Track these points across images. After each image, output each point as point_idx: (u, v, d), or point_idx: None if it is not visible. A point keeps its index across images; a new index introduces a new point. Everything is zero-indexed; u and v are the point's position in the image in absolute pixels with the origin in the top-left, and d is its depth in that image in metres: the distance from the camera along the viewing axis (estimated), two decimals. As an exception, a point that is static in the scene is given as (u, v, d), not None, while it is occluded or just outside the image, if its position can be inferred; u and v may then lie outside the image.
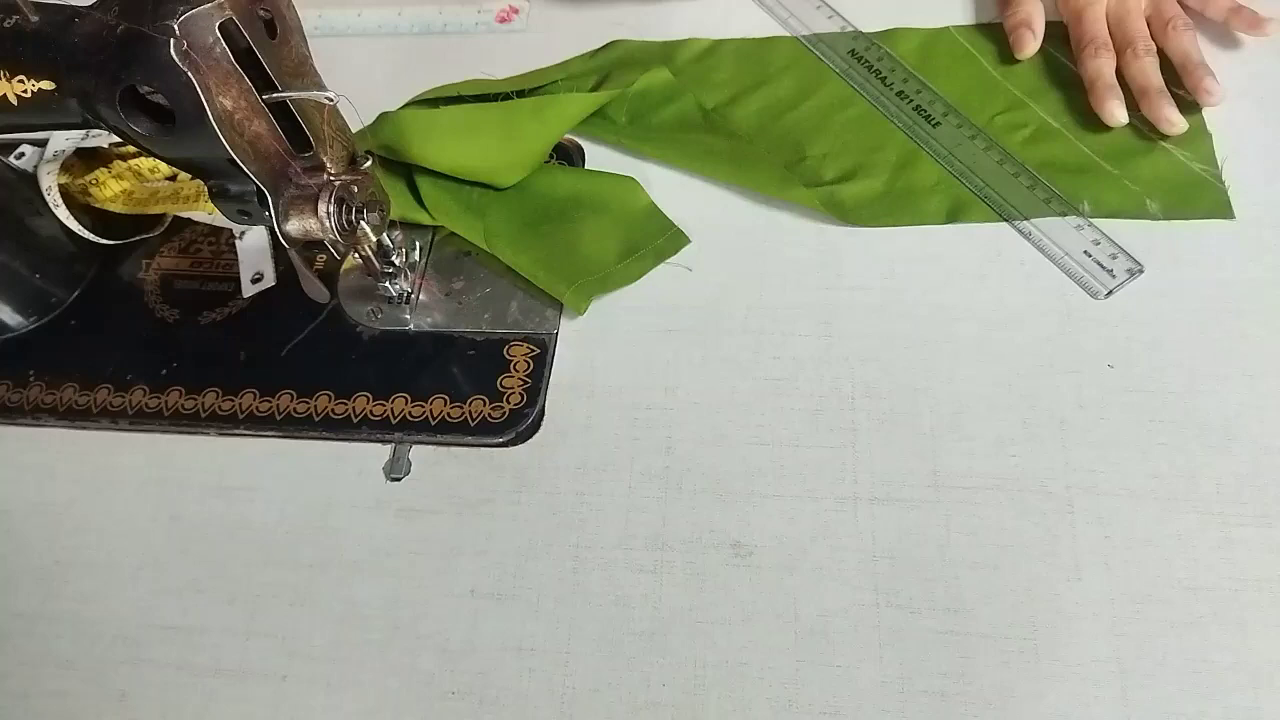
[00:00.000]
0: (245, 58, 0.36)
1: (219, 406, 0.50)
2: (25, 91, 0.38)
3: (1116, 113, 0.51)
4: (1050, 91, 0.54)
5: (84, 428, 0.51)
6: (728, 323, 0.49)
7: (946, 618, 0.40)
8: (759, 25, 0.61)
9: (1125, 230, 0.48)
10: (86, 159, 0.54)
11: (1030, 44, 0.55)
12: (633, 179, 0.54)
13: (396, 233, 0.47)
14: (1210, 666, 0.38)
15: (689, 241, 0.52)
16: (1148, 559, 0.40)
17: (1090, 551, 0.41)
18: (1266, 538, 0.40)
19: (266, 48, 0.37)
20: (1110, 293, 0.47)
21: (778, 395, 0.47)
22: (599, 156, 0.56)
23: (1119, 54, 0.53)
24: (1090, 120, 0.52)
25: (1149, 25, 0.53)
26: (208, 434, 0.50)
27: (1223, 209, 0.48)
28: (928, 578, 0.41)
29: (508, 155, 0.53)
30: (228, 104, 0.36)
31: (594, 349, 0.49)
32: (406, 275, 0.50)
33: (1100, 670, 0.38)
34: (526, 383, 0.48)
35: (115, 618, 0.45)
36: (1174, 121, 0.50)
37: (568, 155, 0.57)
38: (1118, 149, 0.51)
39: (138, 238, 0.56)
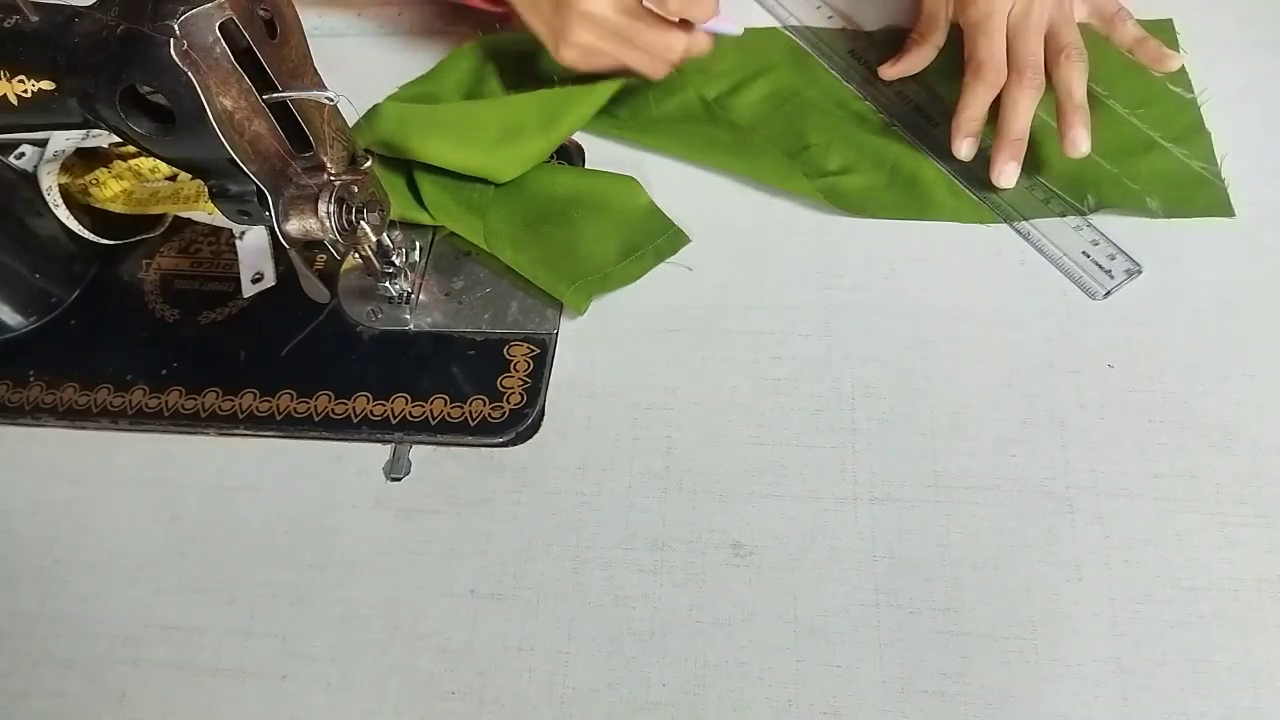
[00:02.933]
0: (245, 58, 0.36)
1: (219, 406, 0.50)
2: (25, 91, 0.38)
3: (963, 150, 0.50)
4: (1049, 92, 0.54)
5: (84, 428, 0.51)
6: (728, 323, 0.49)
7: (946, 618, 0.40)
8: (758, 20, 0.61)
9: (1125, 230, 0.49)
10: (86, 159, 0.54)
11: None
12: (632, 178, 0.54)
13: (396, 233, 0.47)
14: (1210, 666, 0.38)
15: (689, 241, 0.52)
16: (1148, 559, 0.40)
17: (1090, 551, 0.41)
18: (1266, 538, 0.40)
19: (266, 47, 0.37)
20: (1109, 293, 0.47)
21: (778, 395, 0.47)
22: (599, 156, 0.56)
23: (1013, 74, 0.50)
24: (1090, 119, 0.52)
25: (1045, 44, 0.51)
26: (208, 434, 0.50)
27: (1223, 207, 0.48)
28: (928, 578, 0.41)
29: (507, 151, 0.53)
30: (228, 104, 0.36)
31: (594, 349, 0.49)
32: (406, 275, 0.50)
33: (1100, 670, 0.38)
34: (526, 383, 0.48)
35: (115, 618, 0.45)
36: (1005, 176, 0.49)
37: (568, 155, 0.57)
38: (1117, 148, 0.51)
39: (138, 238, 0.56)
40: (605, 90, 0.55)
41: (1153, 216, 0.49)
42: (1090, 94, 0.53)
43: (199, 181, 0.52)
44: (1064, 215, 0.49)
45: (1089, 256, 0.48)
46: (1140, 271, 0.47)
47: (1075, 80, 0.49)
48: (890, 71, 0.55)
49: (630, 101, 0.57)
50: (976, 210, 0.50)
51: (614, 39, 0.51)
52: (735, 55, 0.59)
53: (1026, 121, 0.50)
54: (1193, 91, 0.52)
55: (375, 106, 0.56)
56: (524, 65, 0.59)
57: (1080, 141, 0.48)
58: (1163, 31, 0.55)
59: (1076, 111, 0.49)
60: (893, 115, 0.55)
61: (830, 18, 0.60)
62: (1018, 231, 0.50)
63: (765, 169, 0.53)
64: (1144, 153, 0.51)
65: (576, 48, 0.52)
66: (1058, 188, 0.50)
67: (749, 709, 0.39)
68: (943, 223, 0.51)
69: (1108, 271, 0.47)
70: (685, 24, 0.51)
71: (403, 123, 0.53)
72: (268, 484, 0.48)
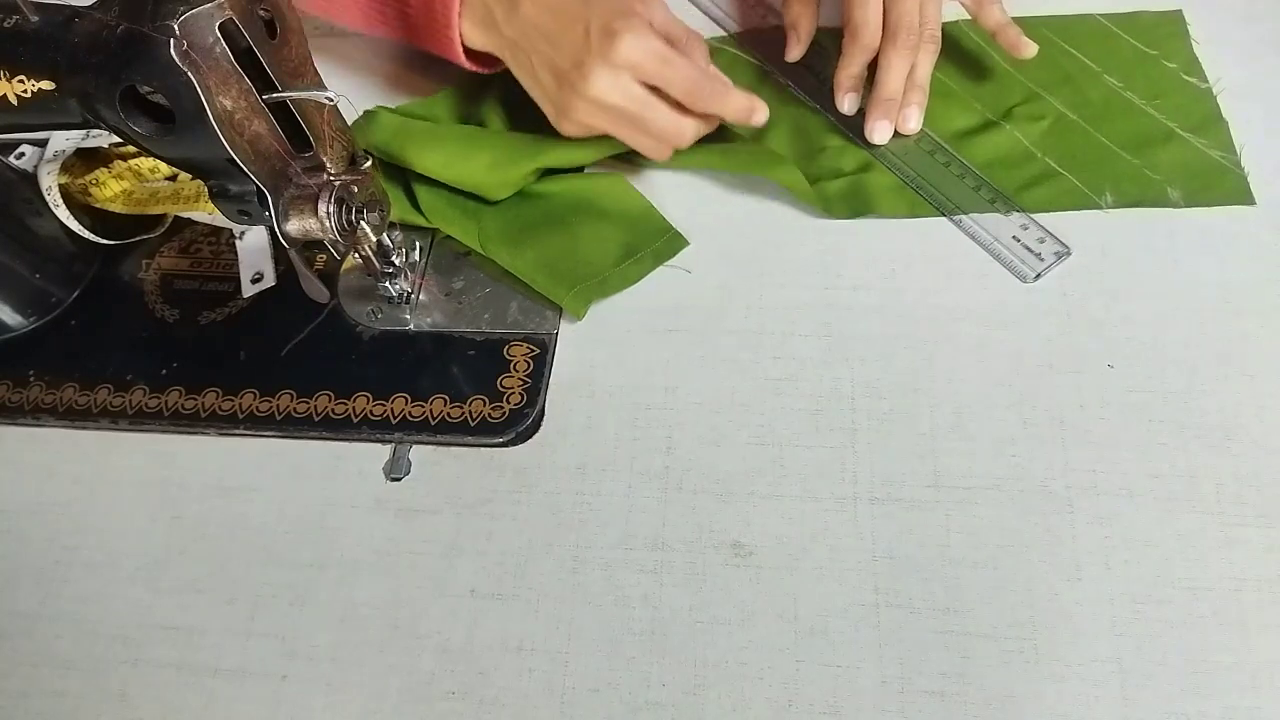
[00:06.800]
0: (245, 58, 0.36)
1: (219, 406, 0.50)
2: (25, 91, 0.38)
3: (845, 105, 0.53)
4: (1063, 85, 0.54)
5: (84, 428, 0.51)
6: (728, 323, 0.49)
7: (946, 618, 0.40)
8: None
9: (1121, 227, 0.49)
10: (86, 159, 0.54)
11: (794, 49, 0.56)
12: (629, 181, 0.54)
13: (396, 233, 0.47)
14: (1210, 666, 0.38)
15: (687, 244, 0.52)
16: (1148, 559, 0.40)
17: (1090, 551, 0.41)
18: (1266, 538, 0.40)
19: (266, 48, 0.37)
20: (1039, 275, 0.48)
21: (778, 395, 0.47)
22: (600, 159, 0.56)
23: (887, 36, 0.51)
24: (1107, 112, 0.52)
25: None
26: (208, 434, 0.50)
27: (1242, 195, 0.49)
28: (928, 578, 0.41)
29: (500, 176, 0.52)
30: (228, 104, 0.36)
31: (594, 349, 0.49)
32: (406, 275, 0.50)
33: (1100, 670, 0.38)
34: (526, 383, 0.48)
35: (115, 618, 0.45)
36: (878, 133, 0.52)
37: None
38: (1137, 139, 0.51)
39: (138, 238, 0.56)
40: (607, 146, 0.52)
41: (1174, 207, 0.49)
42: (1107, 87, 0.53)
43: (199, 181, 0.52)
44: (993, 203, 0.50)
45: (1019, 241, 0.49)
46: (1069, 253, 0.48)
47: (922, 60, 0.52)
48: (791, 54, 0.56)
49: None
50: (915, 204, 0.51)
51: (619, 122, 0.49)
52: (747, 62, 0.59)
53: (899, 82, 0.52)
54: (1207, 81, 0.53)
55: (371, 111, 0.56)
56: (522, 106, 0.57)
57: (911, 118, 0.52)
58: (1172, 23, 0.55)
59: (913, 90, 0.52)
60: (826, 110, 0.55)
61: (765, 16, 0.61)
62: (953, 223, 0.50)
63: (778, 174, 0.53)
64: (1163, 143, 0.51)
65: (578, 125, 0.49)
66: (1079, 179, 0.50)
67: (749, 709, 0.39)
68: (933, 221, 0.51)
69: (1037, 255, 0.48)
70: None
71: (398, 133, 0.53)
72: (268, 484, 0.48)
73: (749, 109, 0.49)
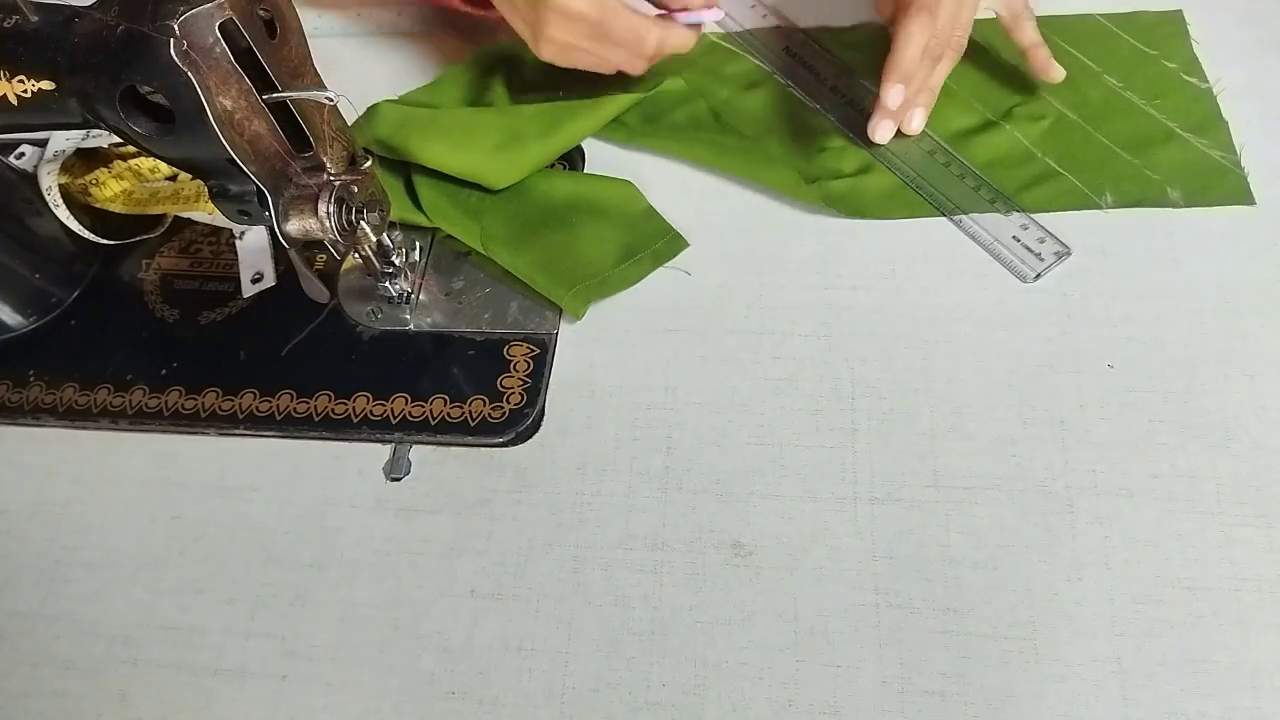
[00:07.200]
0: (245, 58, 0.36)
1: (219, 406, 0.50)
2: (25, 91, 0.38)
3: (883, 134, 0.52)
4: (1063, 85, 0.54)
5: (84, 428, 0.51)
6: (728, 323, 0.49)
7: (946, 618, 0.40)
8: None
9: (1118, 226, 0.49)
10: (86, 159, 0.54)
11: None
12: (631, 182, 0.54)
13: (396, 233, 0.47)
14: (1210, 666, 0.38)
15: (687, 245, 0.52)
16: (1148, 559, 0.40)
17: (1090, 551, 0.41)
18: (1266, 538, 0.40)
19: (266, 48, 0.37)
20: (1039, 275, 0.48)
21: (778, 395, 0.47)
22: (600, 159, 0.56)
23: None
24: (1107, 112, 0.53)
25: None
26: (208, 434, 0.50)
27: (1242, 195, 0.49)
28: (928, 578, 0.41)
29: (505, 156, 0.53)
30: (228, 104, 0.36)
31: (594, 349, 0.49)
32: (406, 275, 0.50)
33: (1100, 670, 0.38)
34: (526, 383, 0.48)
35: (115, 618, 0.45)
36: (880, 132, 0.52)
37: (569, 158, 0.57)
38: (1137, 139, 0.51)
39: (138, 238, 0.56)
40: (610, 108, 0.55)
41: (1174, 207, 0.49)
42: (1107, 87, 0.53)
43: (199, 181, 0.52)
44: (994, 203, 0.50)
45: (1019, 241, 0.49)
46: (1069, 253, 0.48)
47: (941, 66, 0.52)
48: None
49: (640, 110, 0.57)
50: (915, 207, 0.51)
51: (589, 35, 0.51)
52: (745, 60, 0.59)
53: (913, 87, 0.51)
54: (1207, 81, 0.53)
55: (374, 106, 0.56)
56: (527, 80, 0.59)
57: (916, 118, 0.52)
58: (1172, 23, 0.55)
59: (923, 92, 0.52)
60: (827, 109, 0.55)
61: (765, 16, 0.61)
62: (953, 223, 0.50)
63: (773, 176, 0.53)
64: (1163, 143, 0.51)
65: (554, 43, 0.52)
66: (1079, 179, 0.50)
67: (749, 709, 0.39)
68: (930, 221, 0.51)
69: (1037, 255, 0.48)
70: (662, 18, 0.52)
71: (402, 123, 0.54)
72: (268, 484, 0.48)
73: (687, 42, 0.53)
